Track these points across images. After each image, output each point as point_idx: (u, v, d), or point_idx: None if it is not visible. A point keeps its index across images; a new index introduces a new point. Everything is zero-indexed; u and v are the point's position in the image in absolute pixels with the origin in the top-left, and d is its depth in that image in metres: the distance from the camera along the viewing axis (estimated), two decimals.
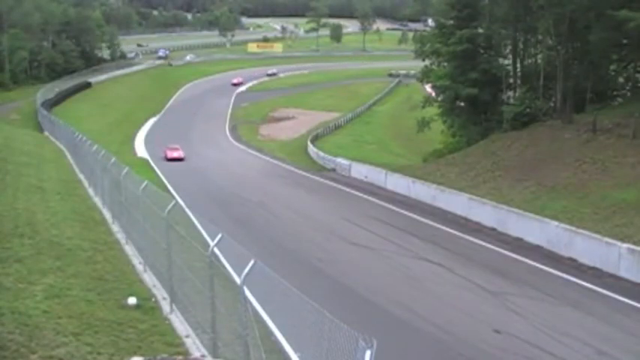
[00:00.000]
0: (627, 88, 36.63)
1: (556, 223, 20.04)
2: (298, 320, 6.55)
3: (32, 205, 18.93)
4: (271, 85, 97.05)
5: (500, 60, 40.33)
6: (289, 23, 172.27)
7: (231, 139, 59.21)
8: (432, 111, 42.82)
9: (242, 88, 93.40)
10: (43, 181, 24.77)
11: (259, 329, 7.60)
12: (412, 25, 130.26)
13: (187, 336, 10.15)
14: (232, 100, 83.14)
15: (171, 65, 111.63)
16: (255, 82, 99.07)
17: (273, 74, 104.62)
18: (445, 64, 41.76)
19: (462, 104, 40.21)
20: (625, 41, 32.84)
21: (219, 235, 8.39)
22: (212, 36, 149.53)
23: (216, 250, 8.46)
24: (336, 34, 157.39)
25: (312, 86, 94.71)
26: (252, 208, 27.02)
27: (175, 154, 44.59)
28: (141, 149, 51.70)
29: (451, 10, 40.03)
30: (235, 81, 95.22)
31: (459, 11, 39.00)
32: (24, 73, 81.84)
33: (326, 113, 72.52)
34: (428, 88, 51.46)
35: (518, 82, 39.73)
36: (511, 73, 39.77)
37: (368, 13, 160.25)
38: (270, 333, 9.52)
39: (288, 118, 72.55)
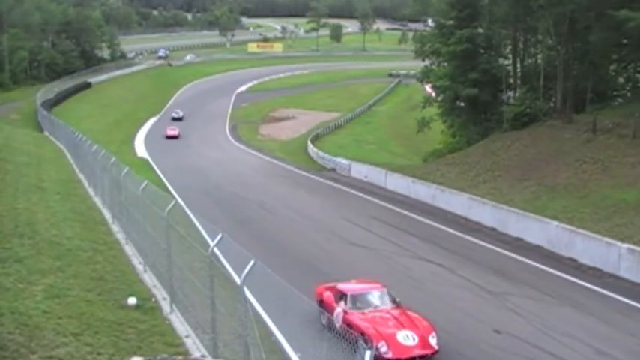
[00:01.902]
0: (627, 88, 36.59)
1: (556, 223, 20.04)
2: (298, 320, 6.56)
3: (32, 205, 18.92)
4: (271, 85, 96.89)
5: (501, 60, 40.30)
6: (289, 23, 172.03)
7: (231, 139, 59.15)
8: (432, 111, 42.84)
9: (242, 88, 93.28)
10: (43, 181, 24.77)
11: (259, 329, 7.61)
12: (412, 25, 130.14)
13: (187, 336, 10.16)
14: (232, 100, 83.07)
15: (171, 65, 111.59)
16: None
17: (180, 119, 68.28)
18: (445, 64, 41.72)
19: (462, 104, 40.19)
20: (625, 41, 32.75)
21: (219, 235, 8.41)
22: (212, 36, 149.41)
23: (216, 250, 8.48)
24: (336, 34, 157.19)
25: (312, 86, 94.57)
26: (252, 208, 27.01)
27: None
28: (141, 149, 51.68)
29: (451, 10, 39.98)
30: (170, 133, 58.88)
31: (459, 11, 38.94)
32: (24, 73, 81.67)
33: (326, 113, 72.45)
34: (428, 88, 51.39)
35: (518, 82, 39.70)
36: (511, 73, 39.74)
37: (368, 13, 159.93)
38: (270, 333, 9.53)
39: (288, 118, 72.46)
